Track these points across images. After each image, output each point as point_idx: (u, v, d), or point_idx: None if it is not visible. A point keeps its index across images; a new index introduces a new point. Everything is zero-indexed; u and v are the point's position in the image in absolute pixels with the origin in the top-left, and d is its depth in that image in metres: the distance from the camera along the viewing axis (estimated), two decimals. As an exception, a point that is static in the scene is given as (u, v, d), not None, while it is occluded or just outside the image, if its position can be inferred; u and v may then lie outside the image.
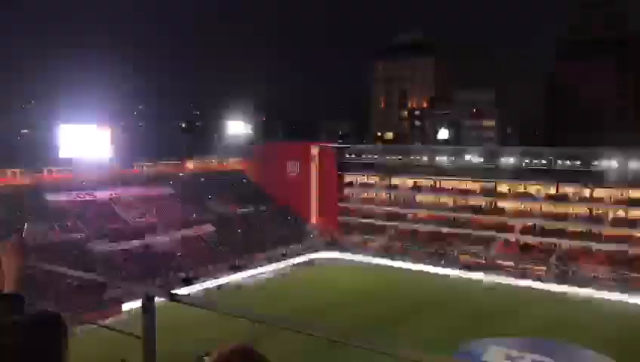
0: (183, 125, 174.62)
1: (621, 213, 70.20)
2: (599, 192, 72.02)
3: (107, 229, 67.63)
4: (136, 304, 51.52)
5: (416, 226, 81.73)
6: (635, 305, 59.84)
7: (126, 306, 54.70)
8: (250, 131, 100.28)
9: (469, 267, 73.14)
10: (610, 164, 70.80)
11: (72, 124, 78.89)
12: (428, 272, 73.32)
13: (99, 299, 55.71)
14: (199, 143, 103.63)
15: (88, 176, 75.91)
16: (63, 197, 69.41)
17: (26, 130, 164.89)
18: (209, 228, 75.18)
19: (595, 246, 69.26)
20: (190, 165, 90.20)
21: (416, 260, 76.64)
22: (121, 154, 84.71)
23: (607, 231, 69.47)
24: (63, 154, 74.19)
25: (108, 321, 50.27)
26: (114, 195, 73.85)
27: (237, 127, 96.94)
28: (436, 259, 76.32)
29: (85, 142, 75.95)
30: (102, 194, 72.77)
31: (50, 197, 68.81)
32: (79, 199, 70.48)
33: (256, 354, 2.37)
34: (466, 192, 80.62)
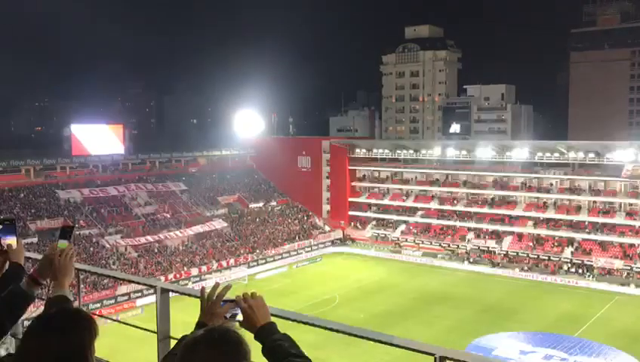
0: (195, 121, 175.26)
1: (635, 206, 69.45)
2: (613, 184, 71.32)
3: (120, 225, 68.12)
4: (151, 299, 51.93)
5: (428, 220, 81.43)
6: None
7: (140, 301, 55.24)
8: (263, 127, 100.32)
9: (481, 261, 72.84)
10: (624, 156, 69.93)
11: (84, 124, 79.81)
12: (440, 266, 73.14)
13: (113, 294, 56.26)
14: (211, 139, 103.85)
15: (101, 173, 76.63)
16: (76, 194, 70.00)
17: (39, 128, 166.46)
18: (221, 223, 75.43)
19: (609, 239, 68.64)
20: (202, 161, 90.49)
21: (428, 254, 76.45)
22: (133, 151, 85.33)
23: (622, 223, 68.76)
24: (75, 151, 74.89)
25: (121, 316, 50.76)
26: (127, 191, 74.29)
27: (249, 123, 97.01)
28: (449, 253, 76.07)
29: (98, 139, 76.55)
30: (115, 191, 73.21)
31: (64, 193, 69.43)
32: (92, 195, 71.02)
33: (231, 337, 2.35)
34: (478, 186, 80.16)
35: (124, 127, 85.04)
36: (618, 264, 65.64)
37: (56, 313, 2.58)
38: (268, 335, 2.69)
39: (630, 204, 69.70)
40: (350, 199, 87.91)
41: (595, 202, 72.22)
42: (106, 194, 72.33)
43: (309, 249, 79.23)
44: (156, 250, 66.74)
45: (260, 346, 2.72)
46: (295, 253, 76.97)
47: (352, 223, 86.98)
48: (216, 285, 2.99)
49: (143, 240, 66.52)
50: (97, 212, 69.16)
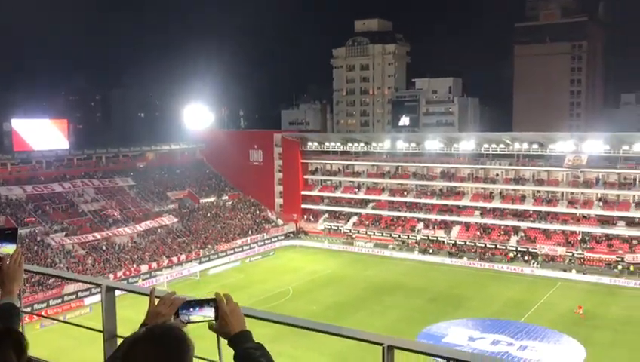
0: (143, 115, 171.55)
1: (576, 195, 72.21)
2: (556, 174, 73.83)
3: (66, 222, 66.14)
4: (99, 297, 50.76)
5: (379, 212, 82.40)
6: (590, 283, 61.90)
7: (88, 300, 53.88)
8: (212, 120, 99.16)
9: (431, 251, 74.30)
10: (565, 147, 72.48)
11: (25, 119, 77.11)
12: (391, 257, 74.21)
13: (59, 293, 54.65)
14: (159, 133, 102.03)
15: (45, 169, 74.18)
16: (18, 191, 67.53)
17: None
18: (171, 219, 74.23)
19: (552, 227, 71.14)
20: (151, 155, 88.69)
21: (379, 245, 77.45)
22: (78, 146, 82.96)
23: (564, 212, 71.36)
24: (17, 147, 72.26)
25: (69, 316, 49.44)
26: (72, 188, 72.17)
27: (198, 117, 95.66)
28: (399, 243, 77.27)
29: (40, 135, 74.05)
30: (60, 187, 71.02)
31: (5, 190, 66.84)
32: (36, 192, 68.65)
33: (174, 334, 2.32)
34: (427, 177, 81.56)
35: (69, 122, 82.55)
36: (561, 251, 68.17)
37: None
38: (242, 342, 2.67)
39: (571, 193, 72.41)
40: (303, 192, 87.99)
41: (538, 191, 74.68)
42: (51, 190, 70.08)
43: (262, 243, 78.94)
44: (104, 248, 65.14)
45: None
46: (248, 247, 76.57)
47: (305, 216, 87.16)
48: (173, 292, 2.94)
49: (90, 237, 64.83)
50: (42, 209, 66.91)
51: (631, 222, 67.44)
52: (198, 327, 2.79)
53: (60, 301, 54.12)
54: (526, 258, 69.30)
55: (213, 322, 2.77)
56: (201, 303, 2.82)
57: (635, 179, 69.23)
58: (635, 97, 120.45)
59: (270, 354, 2.66)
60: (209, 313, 2.79)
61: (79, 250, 63.11)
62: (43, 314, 49.89)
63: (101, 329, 3.53)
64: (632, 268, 63.49)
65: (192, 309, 2.80)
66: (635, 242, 66.03)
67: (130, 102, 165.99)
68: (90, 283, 4.05)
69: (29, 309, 49.81)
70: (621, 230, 67.43)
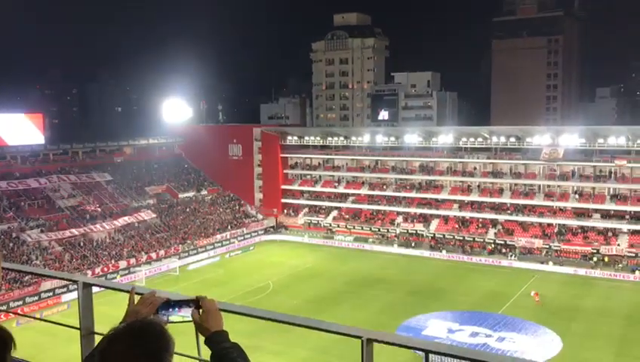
0: (120, 109, 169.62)
1: (553, 187, 73.18)
2: (533, 168, 74.78)
3: (43, 218, 65.17)
4: (76, 294, 50.16)
5: (359, 206, 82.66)
6: (567, 274, 62.92)
7: (66, 297, 53.31)
8: (191, 114, 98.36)
9: (413, 245, 74.76)
10: (542, 140, 73.39)
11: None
12: (371, 250, 74.54)
13: (36, 290, 53.92)
14: (137, 128, 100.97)
15: (20, 165, 72.96)
16: (-8, 187, 66.31)
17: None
18: (149, 214, 73.57)
19: (529, 219, 72.06)
20: (128, 150, 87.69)
21: (359, 239, 77.73)
22: (54, 141, 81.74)
23: (541, 204, 72.30)
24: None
25: (46, 313, 48.85)
26: (48, 183, 71.08)
27: (177, 111, 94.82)
28: (379, 237, 77.64)
29: (15, 129, 72.72)
30: (35, 183, 69.90)
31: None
32: (11, 188, 67.48)
33: (153, 330, 2.31)
34: (406, 171, 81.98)
35: (44, 117, 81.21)
36: (538, 243, 69.11)
37: None
38: (218, 342, 2.67)
39: (548, 186, 73.38)
40: (282, 186, 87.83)
41: (516, 184, 75.55)
42: (26, 186, 68.95)
43: (242, 238, 78.69)
44: (82, 244, 64.36)
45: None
46: (227, 242, 76.29)
47: (285, 211, 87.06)
48: (153, 291, 2.93)
49: (67, 233, 63.96)
50: (17, 205, 65.82)
51: (606, 215, 68.65)
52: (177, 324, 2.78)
53: (36, 298, 53.40)
54: (504, 250, 70.11)
55: (198, 314, 2.77)
56: (180, 303, 2.81)
57: (610, 172, 70.39)
58: (609, 91, 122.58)
59: (246, 353, 2.67)
60: (189, 313, 2.79)
61: (56, 246, 62.27)
62: (19, 311, 49.19)
63: (78, 327, 3.49)
64: (606, 259, 64.66)
65: (171, 309, 2.80)
66: (610, 234, 67.25)
67: (107, 96, 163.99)
68: (66, 279, 3.99)
69: (4, 307, 49.11)
70: (596, 222, 68.61)
